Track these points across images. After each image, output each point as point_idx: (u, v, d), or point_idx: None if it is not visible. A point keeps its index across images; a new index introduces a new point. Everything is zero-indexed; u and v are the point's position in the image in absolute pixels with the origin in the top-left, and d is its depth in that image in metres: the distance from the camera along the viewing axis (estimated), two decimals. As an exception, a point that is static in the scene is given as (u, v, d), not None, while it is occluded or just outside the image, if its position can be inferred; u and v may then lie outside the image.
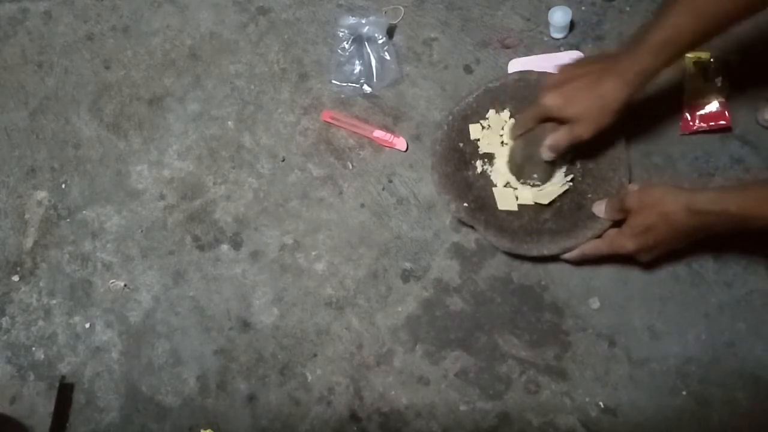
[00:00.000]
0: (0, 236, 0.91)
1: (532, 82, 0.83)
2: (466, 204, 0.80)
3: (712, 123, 0.82)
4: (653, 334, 0.78)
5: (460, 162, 0.83)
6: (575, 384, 0.78)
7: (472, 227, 0.81)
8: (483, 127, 0.84)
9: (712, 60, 0.83)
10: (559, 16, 0.88)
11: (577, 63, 0.77)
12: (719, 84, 0.83)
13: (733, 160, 0.82)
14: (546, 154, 0.77)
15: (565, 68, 0.76)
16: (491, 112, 0.84)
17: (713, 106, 0.82)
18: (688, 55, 0.84)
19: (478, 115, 0.84)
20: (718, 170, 0.81)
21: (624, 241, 0.72)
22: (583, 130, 0.73)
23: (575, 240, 0.76)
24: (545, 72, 0.83)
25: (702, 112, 0.82)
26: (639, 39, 0.69)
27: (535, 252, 0.77)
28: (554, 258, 0.78)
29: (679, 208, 0.66)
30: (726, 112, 0.82)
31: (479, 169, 0.83)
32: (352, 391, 0.80)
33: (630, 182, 0.79)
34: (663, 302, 0.79)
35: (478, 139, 0.84)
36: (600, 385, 0.77)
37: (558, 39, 0.91)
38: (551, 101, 0.74)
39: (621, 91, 0.70)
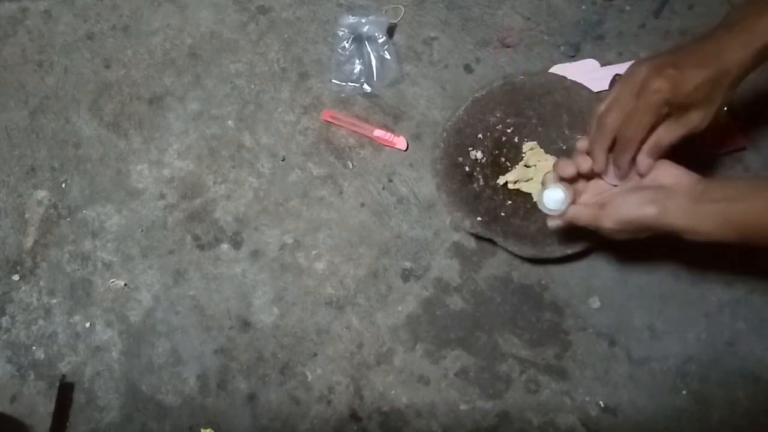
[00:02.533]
0: (0, 235, 0.91)
1: (518, 85, 0.83)
2: (479, 218, 0.79)
3: (730, 148, 0.81)
4: (653, 333, 0.78)
5: (463, 176, 0.82)
6: (575, 383, 0.78)
7: (490, 240, 0.80)
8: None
9: None
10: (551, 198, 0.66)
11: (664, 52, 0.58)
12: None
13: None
14: (644, 161, 0.59)
15: (650, 58, 0.57)
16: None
17: (725, 128, 0.81)
18: None
19: (471, 127, 0.83)
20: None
21: (607, 222, 0.61)
22: (701, 118, 0.55)
23: (598, 235, 0.75)
24: (533, 74, 0.83)
25: (715, 135, 0.81)
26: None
27: (558, 253, 0.76)
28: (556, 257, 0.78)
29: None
30: (739, 134, 0.81)
31: (482, 181, 0.83)
32: (353, 390, 0.80)
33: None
34: (663, 301, 0.79)
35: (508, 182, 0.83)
36: (600, 385, 0.77)
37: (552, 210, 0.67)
38: (659, 84, 0.54)
39: (745, 48, 0.52)
